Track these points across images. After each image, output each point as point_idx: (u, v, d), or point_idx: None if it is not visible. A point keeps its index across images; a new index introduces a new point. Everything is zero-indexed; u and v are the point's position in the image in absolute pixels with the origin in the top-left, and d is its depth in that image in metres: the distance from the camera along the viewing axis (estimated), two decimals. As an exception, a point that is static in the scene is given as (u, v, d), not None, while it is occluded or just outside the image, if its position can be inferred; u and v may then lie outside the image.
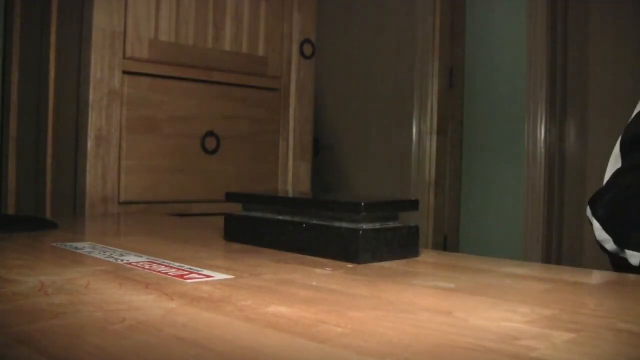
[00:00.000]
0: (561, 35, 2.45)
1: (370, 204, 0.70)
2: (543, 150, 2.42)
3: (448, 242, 2.71)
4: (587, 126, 2.42)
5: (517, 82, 2.51)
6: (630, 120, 0.93)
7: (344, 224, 0.71)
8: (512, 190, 2.52)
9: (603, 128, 2.32)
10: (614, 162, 0.92)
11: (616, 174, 0.91)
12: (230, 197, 0.90)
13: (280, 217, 0.79)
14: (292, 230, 0.76)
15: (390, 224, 0.72)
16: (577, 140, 2.45)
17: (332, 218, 0.73)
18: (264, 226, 0.80)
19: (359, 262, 0.68)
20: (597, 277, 0.62)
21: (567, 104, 2.47)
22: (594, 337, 0.40)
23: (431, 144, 2.71)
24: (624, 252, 0.79)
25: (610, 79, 2.32)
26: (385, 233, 0.70)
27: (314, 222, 0.74)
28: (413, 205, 0.75)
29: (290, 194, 0.86)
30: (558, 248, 2.45)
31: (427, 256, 0.75)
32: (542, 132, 2.42)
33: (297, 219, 0.77)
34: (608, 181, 0.90)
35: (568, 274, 0.64)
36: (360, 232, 0.68)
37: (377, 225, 0.71)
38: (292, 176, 1.78)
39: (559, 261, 2.43)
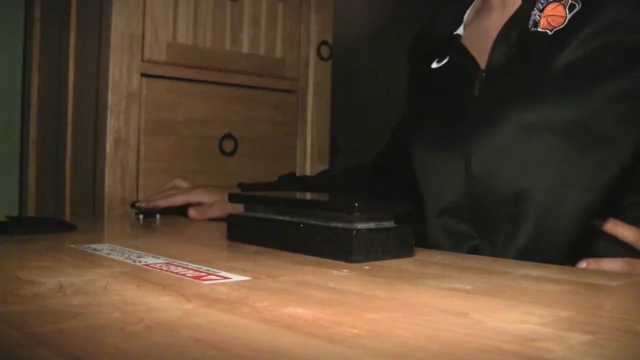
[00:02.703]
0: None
1: (364, 204, 0.71)
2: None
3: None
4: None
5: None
6: None
7: (340, 224, 0.73)
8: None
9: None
10: None
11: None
12: (233, 197, 0.91)
13: (280, 217, 0.81)
14: (291, 230, 0.78)
15: (385, 224, 0.73)
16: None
17: (328, 218, 0.74)
18: (264, 226, 0.82)
19: (353, 262, 0.69)
20: (614, 278, 0.61)
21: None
22: (611, 340, 0.40)
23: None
24: None
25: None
26: (380, 233, 0.72)
27: (311, 222, 0.75)
28: (408, 205, 0.76)
29: (298, 196, 0.89)
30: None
31: (427, 256, 0.75)
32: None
33: (295, 219, 0.78)
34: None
35: (584, 276, 0.64)
36: (354, 232, 0.70)
37: (372, 225, 0.72)
38: (310, 178, 1.79)
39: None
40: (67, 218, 1.50)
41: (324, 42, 1.81)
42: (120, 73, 1.43)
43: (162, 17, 1.49)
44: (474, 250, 0.93)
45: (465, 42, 1.03)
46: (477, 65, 0.97)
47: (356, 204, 0.71)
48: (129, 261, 0.68)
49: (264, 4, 1.68)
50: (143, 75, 1.47)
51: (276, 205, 0.84)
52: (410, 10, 2.86)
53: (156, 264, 0.66)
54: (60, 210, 1.59)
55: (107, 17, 1.43)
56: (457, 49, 1.03)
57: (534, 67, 0.89)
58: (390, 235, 0.73)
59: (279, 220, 0.81)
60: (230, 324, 0.43)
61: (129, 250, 0.75)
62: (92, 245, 0.79)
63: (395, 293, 0.55)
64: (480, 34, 1.02)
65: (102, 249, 0.77)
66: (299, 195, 0.89)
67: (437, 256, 0.76)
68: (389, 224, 0.74)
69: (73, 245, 0.80)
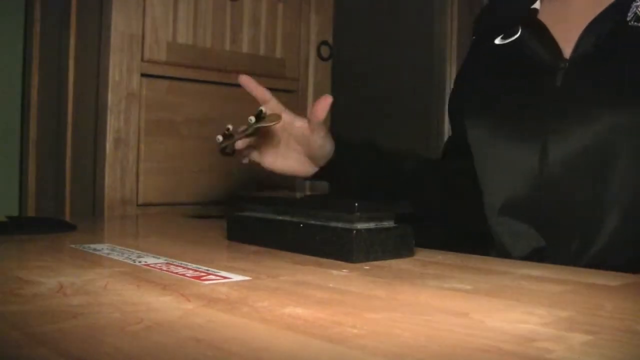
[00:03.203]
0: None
1: (363, 204, 0.71)
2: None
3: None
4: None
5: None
6: None
7: (340, 224, 0.73)
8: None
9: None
10: None
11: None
12: (234, 198, 0.91)
13: (280, 218, 0.81)
14: (291, 230, 0.78)
15: (385, 224, 0.73)
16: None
17: (328, 218, 0.74)
18: (264, 226, 0.82)
19: (353, 262, 0.69)
20: (614, 278, 0.61)
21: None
22: (611, 340, 0.40)
23: (449, 146, 2.69)
24: None
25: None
26: (380, 233, 0.72)
27: (311, 222, 0.76)
28: (407, 206, 0.76)
29: (298, 196, 0.89)
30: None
31: (427, 256, 0.75)
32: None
33: (295, 219, 0.78)
34: None
35: (585, 276, 0.64)
36: (354, 232, 0.70)
37: (372, 225, 0.72)
38: (310, 178, 1.78)
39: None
40: (67, 218, 1.50)
41: (324, 42, 1.81)
42: (120, 73, 1.43)
43: (162, 17, 1.49)
44: (539, 254, 0.86)
45: (541, 19, 0.92)
46: (559, 50, 0.88)
47: (356, 204, 0.71)
48: (129, 261, 0.68)
49: (264, 4, 1.68)
50: (143, 75, 1.47)
51: (276, 205, 0.84)
52: (410, 11, 2.86)
53: (156, 264, 0.66)
54: (60, 210, 1.59)
55: (107, 17, 1.43)
56: (533, 25, 0.92)
57: (628, 64, 0.81)
58: (390, 235, 0.73)
59: (279, 220, 0.81)
60: (230, 324, 0.43)
61: (129, 250, 0.75)
62: (92, 245, 0.79)
63: (395, 293, 0.55)
64: (561, 15, 0.92)
65: (102, 249, 0.77)
66: (298, 195, 0.89)
67: (437, 256, 0.76)
68: (389, 224, 0.74)
69: (73, 245, 0.80)
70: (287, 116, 1.00)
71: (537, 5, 0.96)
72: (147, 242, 0.92)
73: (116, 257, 0.70)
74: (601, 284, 0.59)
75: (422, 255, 0.76)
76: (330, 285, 0.57)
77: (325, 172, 1.00)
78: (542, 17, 0.93)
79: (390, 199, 0.87)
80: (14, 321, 0.43)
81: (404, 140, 2.86)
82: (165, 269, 0.63)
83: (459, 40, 2.69)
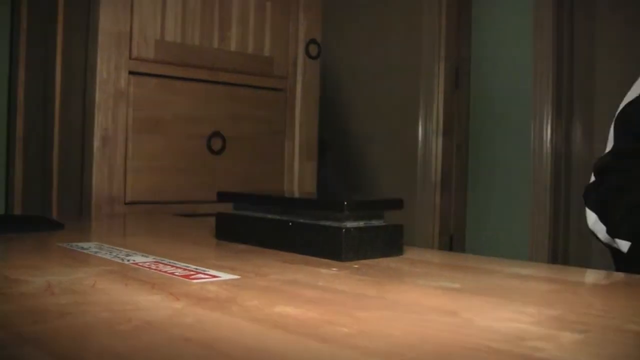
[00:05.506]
0: (568, 35, 2.45)
1: (352, 202, 0.71)
2: (549, 150, 2.41)
3: (454, 242, 2.70)
4: (594, 126, 2.41)
5: (523, 82, 2.50)
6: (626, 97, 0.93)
7: (329, 223, 0.73)
8: (518, 191, 2.52)
9: (609, 128, 2.31)
10: (610, 144, 0.93)
11: (612, 157, 0.90)
12: (222, 196, 0.91)
13: (269, 216, 0.81)
14: (280, 229, 0.78)
15: (375, 223, 0.73)
16: (583, 140, 2.44)
17: (317, 217, 0.74)
18: (253, 225, 0.82)
19: (341, 260, 0.69)
20: (604, 277, 0.62)
21: (574, 103, 2.46)
22: (601, 338, 0.40)
23: (437, 145, 2.70)
24: (615, 241, 0.78)
25: (617, 79, 2.32)
26: (369, 232, 0.72)
27: (300, 220, 0.76)
28: (396, 204, 0.76)
29: (287, 194, 0.88)
30: (565, 248, 2.44)
31: (416, 255, 0.75)
32: (548, 132, 2.41)
33: (284, 217, 0.78)
34: (602, 166, 0.89)
35: (575, 275, 0.64)
36: (343, 230, 0.70)
37: (361, 224, 0.72)
38: (298, 176, 1.79)
39: (565, 261, 2.42)
40: (54, 216, 1.49)
41: (313, 41, 1.80)
42: (108, 70, 1.43)
43: (150, 15, 1.49)
44: None
45: None
46: None
47: (345, 203, 0.70)
48: (117, 260, 0.67)
49: (252, 2, 1.68)
50: (131, 72, 1.46)
51: (265, 203, 0.84)
52: (402, 12, 2.86)
53: (145, 262, 0.66)
54: (46, 208, 1.58)
55: (94, 14, 1.43)
56: None
57: None
58: (380, 233, 0.73)
59: (267, 219, 0.80)
60: (220, 323, 0.43)
61: (117, 249, 0.75)
62: (80, 244, 0.79)
63: (384, 292, 0.54)
64: None
65: (90, 247, 0.76)
66: (287, 193, 0.89)
67: (426, 255, 0.76)
68: (378, 222, 0.74)
69: (60, 244, 0.79)
70: None
71: None
72: (135, 241, 0.91)
73: (104, 256, 0.70)
74: (591, 282, 0.60)
75: (411, 254, 0.76)
76: (320, 283, 0.57)
77: None
78: None
79: None
80: (1, 321, 0.42)
81: (392, 137, 2.86)
82: (153, 267, 0.63)
83: (447, 38, 2.69)
